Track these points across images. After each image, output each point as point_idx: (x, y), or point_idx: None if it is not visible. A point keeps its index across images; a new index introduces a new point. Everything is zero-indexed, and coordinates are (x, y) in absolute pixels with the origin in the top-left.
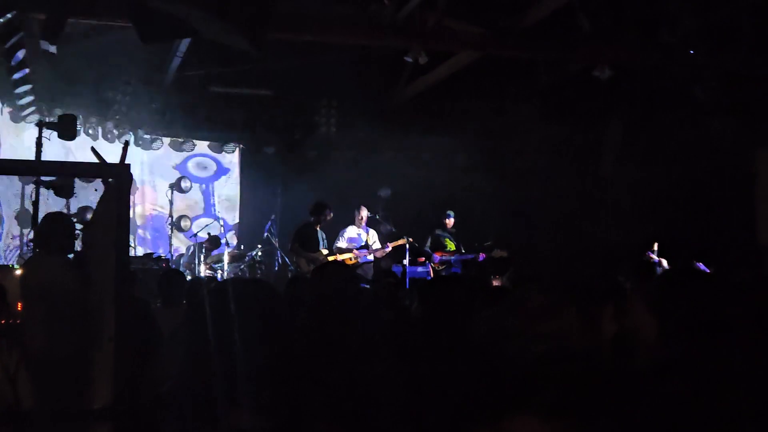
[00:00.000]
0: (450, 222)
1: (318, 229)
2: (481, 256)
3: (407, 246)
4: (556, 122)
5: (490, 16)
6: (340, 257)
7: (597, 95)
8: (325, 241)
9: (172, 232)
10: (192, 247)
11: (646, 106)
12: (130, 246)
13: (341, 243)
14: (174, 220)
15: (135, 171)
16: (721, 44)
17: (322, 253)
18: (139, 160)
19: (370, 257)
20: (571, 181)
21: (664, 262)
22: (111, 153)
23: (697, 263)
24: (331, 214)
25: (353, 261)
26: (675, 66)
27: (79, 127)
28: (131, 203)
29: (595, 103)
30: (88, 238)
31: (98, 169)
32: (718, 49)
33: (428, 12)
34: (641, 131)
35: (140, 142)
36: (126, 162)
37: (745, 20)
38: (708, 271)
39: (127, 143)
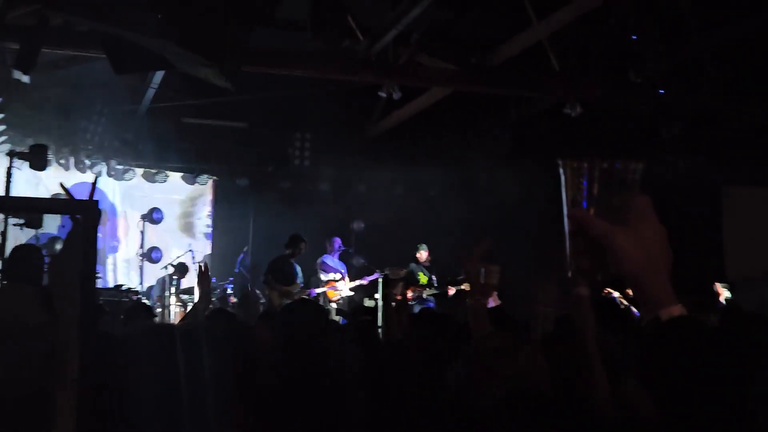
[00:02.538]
0: (423, 255)
1: (293, 261)
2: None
3: (380, 280)
4: (528, 157)
5: (462, 52)
6: (318, 290)
7: (567, 131)
8: (301, 273)
9: (143, 263)
10: (162, 279)
11: (615, 143)
12: (97, 277)
13: (324, 276)
14: (145, 251)
15: (106, 201)
16: (687, 85)
17: (297, 285)
18: (111, 190)
19: (350, 292)
20: (544, 215)
21: (625, 301)
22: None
23: None
24: (306, 247)
25: (335, 294)
26: (642, 105)
27: (50, 157)
28: (104, 234)
29: (565, 139)
30: (54, 273)
31: (67, 205)
32: (684, 90)
33: (401, 48)
34: None
35: (112, 173)
36: (94, 198)
37: (709, 62)
38: None
39: (96, 178)
